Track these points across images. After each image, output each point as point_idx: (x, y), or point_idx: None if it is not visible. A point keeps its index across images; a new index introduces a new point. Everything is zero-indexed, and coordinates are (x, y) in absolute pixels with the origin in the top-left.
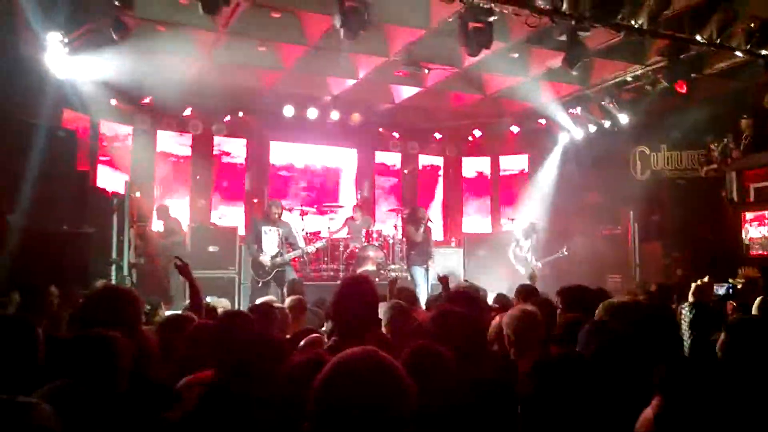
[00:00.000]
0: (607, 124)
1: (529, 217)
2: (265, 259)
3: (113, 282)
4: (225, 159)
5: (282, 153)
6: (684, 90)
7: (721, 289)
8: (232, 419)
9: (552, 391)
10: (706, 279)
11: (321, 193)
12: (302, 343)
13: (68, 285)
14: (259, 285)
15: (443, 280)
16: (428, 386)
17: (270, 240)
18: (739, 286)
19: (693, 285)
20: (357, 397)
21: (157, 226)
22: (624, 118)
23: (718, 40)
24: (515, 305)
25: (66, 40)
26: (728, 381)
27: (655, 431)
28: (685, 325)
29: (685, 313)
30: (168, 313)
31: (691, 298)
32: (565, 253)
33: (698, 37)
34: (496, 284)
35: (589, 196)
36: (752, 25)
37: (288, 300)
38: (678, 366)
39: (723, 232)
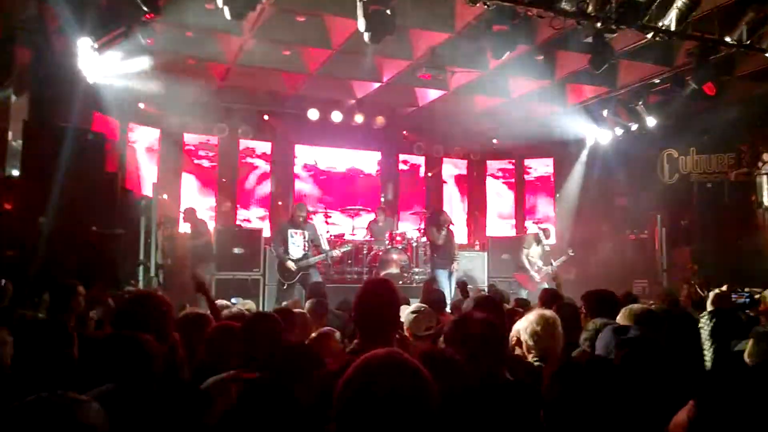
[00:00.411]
0: (634, 127)
1: (541, 225)
2: (291, 262)
3: (141, 283)
4: (250, 162)
5: (307, 156)
6: (713, 92)
7: (740, 299)
8: (273, 420)
9: (577, 395)
10: (724, 287)
11: (345, 195)
12: (313, 334)
13: (97, 285)
14: (285, 287)
15: (461, 285)
16: (440, 389)
17: (296, 243)
18: (756, 296)
19: (711, 294)
20: (381, 397)
21: (184, 228)
22: (652, 121)
23: (749, 42)
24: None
25: (96, 45)
26: (760, 389)
27: None
28: (705, 334)
29: (705, 321)
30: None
31: (710, 307)
32: (571, 254)
33: (728, 39)
34: (519, 288)
35: (615, 199)
36: None
37: (307, 303)
38: (715, 371)
39: (752, 237)
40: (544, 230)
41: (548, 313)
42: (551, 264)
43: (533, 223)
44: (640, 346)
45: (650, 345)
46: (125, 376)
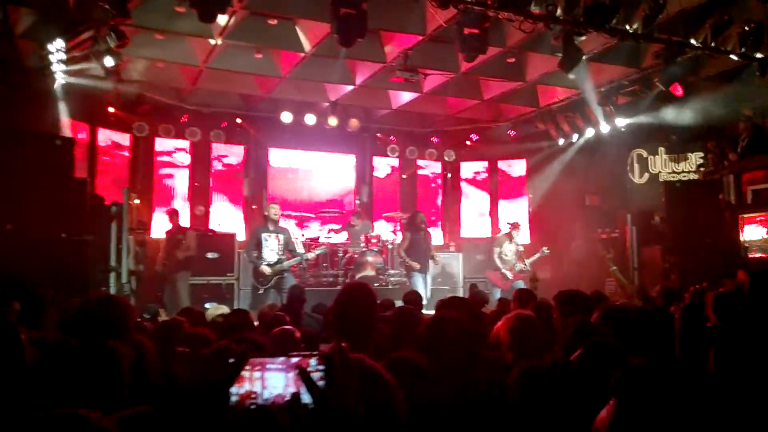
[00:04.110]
0: (604, 127)
1: (509, 221)
2: (266, 267)
3: (112, 289)
4: (223, 166)
5: (280, 159)
6: (680, 93)
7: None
8: None
9: (537, 398)
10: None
11: (319, 199)
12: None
13: (67, 293)
14: (260, 292)
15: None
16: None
17: (270, 247)
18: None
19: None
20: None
21: (155, 233)
22: (621, 122)
23: (713, 44)
24: (513, 309)
25: (64, 49)
26: (690, 386)
27: None
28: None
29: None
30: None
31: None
32: (546, 251)
33: (693, 41)
34: (493, 288)
35: (587, 199)
36: (746, 28)
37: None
38: (634, 369)
39: (721, 235)
40: (514, 224)
41: (528, 313)
42: (524, 263)
43: (506, 223)
44: (596, 345)
45: (607, 343)
46: (96, 383)
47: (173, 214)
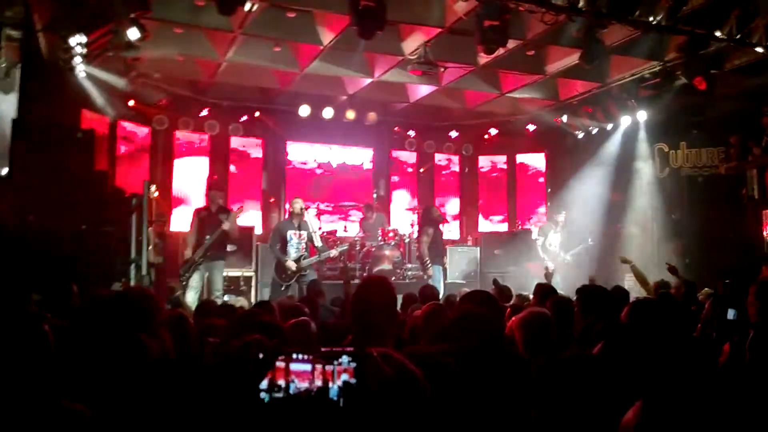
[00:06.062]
0: (625, 121)
1: (554, 214)
2: (291, 263)
3: (132, 281)
4: (242, 159)
5: (298, 152)
6: (703, 86)
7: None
8: None
9: (560, 392)
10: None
11: (337, 192)
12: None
13: (88, 284)
14: (282, 288)
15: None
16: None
17: (294, 244)
18: None
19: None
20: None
21: (175, 226)
22: (642, 116)
23: (738, 36)
24: (531, 304)
25: (85, 42)
26: (723, 385)
27: None
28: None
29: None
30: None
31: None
32: (591, 242)
33: (718, 33)
34: (511, 282)
35: (606, 194)
36: None
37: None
38: (662, 368)
39: (743, 231)
40: (560, 216)
41: (541, 310)
42: (562, 254)
43: (527, 219)
44: (623, 341)
45: (636, 339)
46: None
47: (214, 191)
